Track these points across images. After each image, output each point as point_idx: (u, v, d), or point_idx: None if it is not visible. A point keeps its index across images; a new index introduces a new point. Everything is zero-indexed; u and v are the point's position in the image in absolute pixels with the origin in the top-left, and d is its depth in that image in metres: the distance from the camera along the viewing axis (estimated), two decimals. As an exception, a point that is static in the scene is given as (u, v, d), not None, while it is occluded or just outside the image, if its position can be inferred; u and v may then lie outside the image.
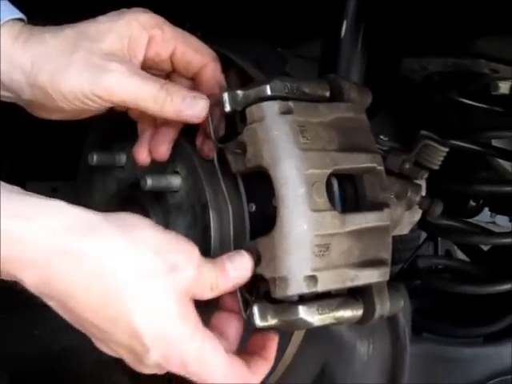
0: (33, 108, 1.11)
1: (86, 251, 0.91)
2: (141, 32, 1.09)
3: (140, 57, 1.10)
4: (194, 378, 1.00)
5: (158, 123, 1.16)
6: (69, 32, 1.07)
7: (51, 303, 0.94)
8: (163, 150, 1.14)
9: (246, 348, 1.08)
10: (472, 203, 2.13)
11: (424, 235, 2.53)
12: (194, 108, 1.07)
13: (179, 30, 1.13)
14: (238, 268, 1.02)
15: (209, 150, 1.11)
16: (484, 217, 3.07)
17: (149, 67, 1.13)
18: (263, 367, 1.07)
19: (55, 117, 1.11)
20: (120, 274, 0.92)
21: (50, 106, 1.07)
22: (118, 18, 1.09)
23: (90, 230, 0.92)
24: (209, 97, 1.09)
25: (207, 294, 1.01)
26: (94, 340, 0.99)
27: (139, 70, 1.08)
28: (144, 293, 0.93)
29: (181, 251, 0.98)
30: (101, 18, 1.09)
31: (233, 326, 1.07)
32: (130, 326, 0.93)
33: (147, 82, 1.06)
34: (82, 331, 0.99)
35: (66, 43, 1.05)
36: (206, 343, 0.98)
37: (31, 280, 0.91)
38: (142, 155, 1.15)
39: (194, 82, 1.15)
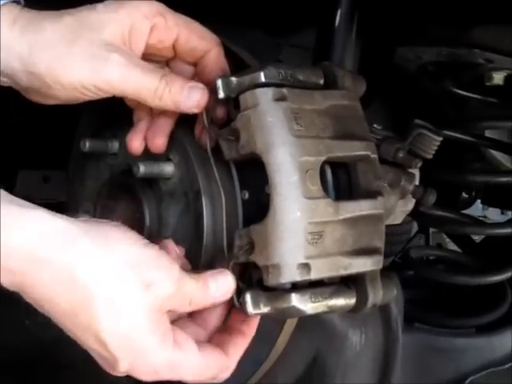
0: (29, 93, 1.09)
1: (60, 261, 0.91)
2: (143, 21, 1.07)
3: (141, 46, 1.08)
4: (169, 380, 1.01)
5: (155, 112, 1.15)
6: (68, 19, 1.05)
7: (29, 300, 0.95)
8: (160, 142, 1.14)
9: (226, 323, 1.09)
10: (464, 195, 2.14)
11: (415, 229, 2.54)
12: (192, 99, 1.06)
13: (182, 17, 1.11)
14: (221, 288, 1.02)
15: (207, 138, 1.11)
16: (475, 211, 3.09)
17: (150, 54, 1.11)
18: (241, 344, 1.07)
19: (51, 102, 1.10)
20: (92, 285, 0.92)
21: (47, 93, 1.06)
22: (119, 7, 1.07)
23: (68, 242, 0.92)
24: (210, 83, 1.09)
25: (185, 308, 1.01)
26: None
27: (140, 61, 1.06)
28: (114, 305, 0.93)
29: (160, 267, 0.98)
30: (100, 7, 1.07)
31: (215, 314, 1.08)
32: (97, 335, 0.94)
33: (148, 74, 1.05)
34: None
35: (65, 31, 1.04)
36: (176, 351, 0.99)
37: (5, 283, 0.91)
38: (136, 143, 1.15)
39: (196, 68, 1.14)
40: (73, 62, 1.03)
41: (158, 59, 1.14)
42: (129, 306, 0.94)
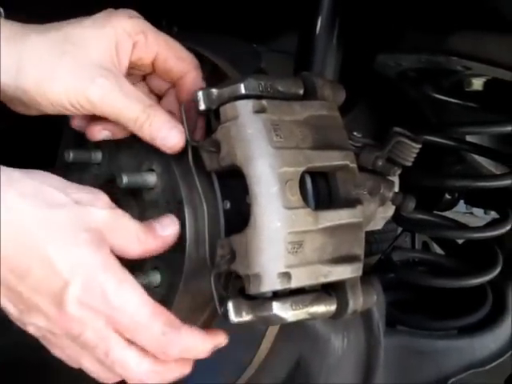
0: (12, 103, 1.11)
1: None
2: (126, 39, 1.09)
3: (125, 63, 1.11)
4: (116, 320, 0.98)
5: None
6: (54, 35, 1.06)
7: None
8: (95, 130, 1.15)
9: None
10: (447, 196, 2.16)
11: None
12: (168, 141, 1.08)
13: (163, 36, 1.13)
14: (166, 227, 1.06)
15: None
16: (461, 208, 3.11)
17: (131, 68, 1.13)
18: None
19: (34, 113, 1.12)
20: (25, 206, 0.93)
21: (32, 106, 1.08)
22: (105, 23, 1.08)
23: None
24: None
25: (134, 246, 1.02)
26: (13, 314, 0.99)
27: (126, 86, 1.08)
28: (51, 222, 0.94)
29: (86, 191, 1.00)
30: (86, 22, 1.09)
31: None
32: (44, 257, 0.93)
33: (131, 101, 1.07)
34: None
35: (52, 47, 1.05)
36: (125, 277, 0.98)
37: None
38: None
39: (174, 88, 1.16)
40: (61, 82, 1.05)
41: (136, 73, 1.16)
42: (65, 222, 0.95)
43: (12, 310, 0.99)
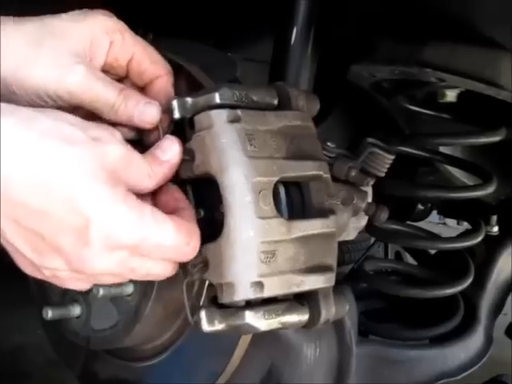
0: None
1: (5, 129, 0.91)
2: (103, 36, 1.09)
3: (101, 60, 1.11)
4: (142, 248, 0.99)
5: None
6: (31, 26, 1.07)
7: None
8: None
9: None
10: (420, 207, 2.17)
11: (375, 236, 2.56)
12: (145, 114, 1.09)
13: (139, 39, 1.14)
14: (166, 150, 1.05)
15: None
16: (435, 218, 3.13)
17: (105, 71, 1.13)
18: (188, 215, 1.06)
19: None
20: (42, 145, 0.92)
21: (8, 99, 1.06)
22: (82, 18, 1.09)
23: (9, 109, 0.94)
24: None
25: (147, 183, 1.02)
26: (29, 258, 0.98)
27: (101, 74, 1.09)
28: (70, 159, 0.93)
29: (102, 128, 1.00)
30: (64, 16, 1.09)
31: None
32: (64, 195, 0.93)
33: (108, 87, 1.07)
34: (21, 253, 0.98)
35: (30, 38, 1.05)
36: (146, 208, 0.98)
37: None
38: None
39: (144, 91, 1.16)
40: (38, 69, 1.05)
41: (111, 77, 1.15)
42: (84, 159, 0.94)
43: (29, 254, 0.98)
